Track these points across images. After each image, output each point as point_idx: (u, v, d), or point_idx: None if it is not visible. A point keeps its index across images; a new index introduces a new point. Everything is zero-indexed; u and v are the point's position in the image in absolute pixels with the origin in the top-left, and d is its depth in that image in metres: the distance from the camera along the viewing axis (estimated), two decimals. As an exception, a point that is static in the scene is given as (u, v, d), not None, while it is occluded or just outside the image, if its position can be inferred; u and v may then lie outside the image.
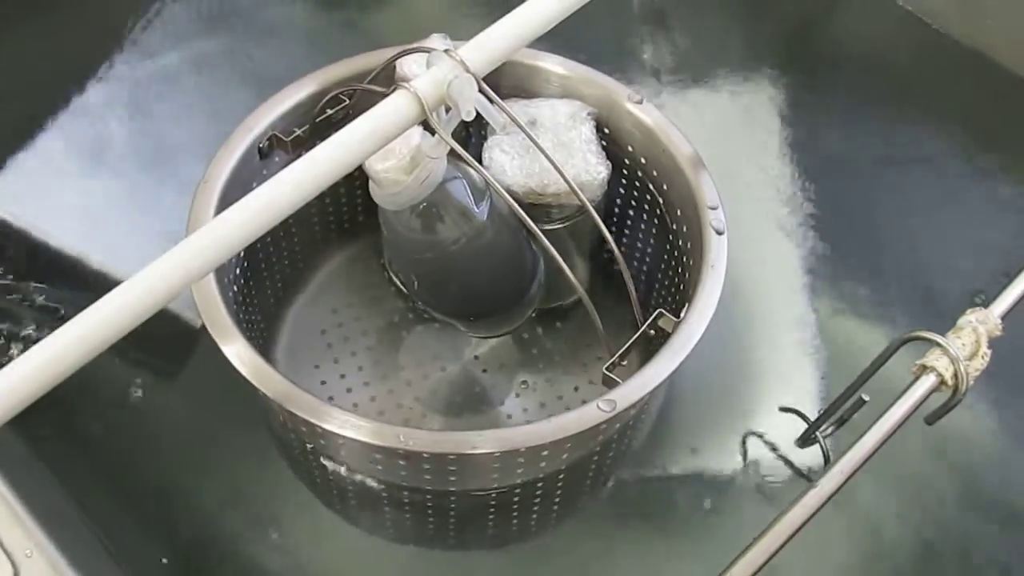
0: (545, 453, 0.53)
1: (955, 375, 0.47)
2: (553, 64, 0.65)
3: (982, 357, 0.47)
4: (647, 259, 0.68)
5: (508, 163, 0.60)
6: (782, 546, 0.42)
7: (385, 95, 0.45)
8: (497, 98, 0.47)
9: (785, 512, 0.44)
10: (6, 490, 0.46)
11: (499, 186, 0.54)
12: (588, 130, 0.62)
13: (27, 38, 0.85)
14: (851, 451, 0.45)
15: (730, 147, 0.80)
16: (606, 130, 0.65)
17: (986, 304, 0.49)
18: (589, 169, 0.60)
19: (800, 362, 0.69)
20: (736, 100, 0.83)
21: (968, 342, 0.47)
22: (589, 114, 0.63)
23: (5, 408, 0.38)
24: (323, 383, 0.66)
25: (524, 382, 0.67)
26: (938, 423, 0.50)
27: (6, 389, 0.38)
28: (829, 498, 0.44)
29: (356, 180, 0.67)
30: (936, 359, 0.47)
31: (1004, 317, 0.49)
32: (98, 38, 0.86)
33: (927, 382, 0.47)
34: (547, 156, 0.54)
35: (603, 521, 0.63)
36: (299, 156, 0.61)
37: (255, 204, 0.40)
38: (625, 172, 0.66)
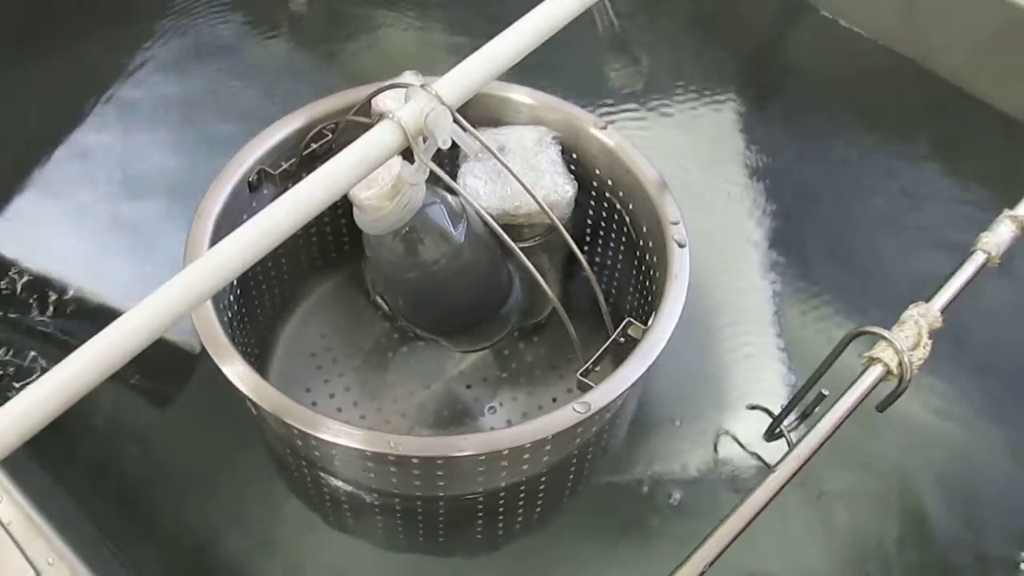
0: (527, 456, 0.57)
1: (900, 365, 0.50)
2: (522, 95, 0.69)
3: (923, 347, 0.51)
4: (617, 272, 0.72)
5: (481, 188, 0.64)
6: (746, 526, 0.46)
7: (369, 126, 0.48)
8: (470, 127, 0.51)
9: (748, 495, 0.47)
10: (28, 507, 0.49)
11: (479, 207, 0.57)
12: (554, 153, 0.66)
13: (20, 84, 0.89)
14: (807, 438, 0.49)
15: (694, 164, 0.84)
16: (574, 154, 0.68)
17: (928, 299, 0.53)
18: (557, 189, 0.64)
19: (766, 361, 0.72)
20: (698, 119, 0.87)
21: (911, 334, 0.51)
22: (554, 138, 0.67)
23: (22, 430, 0.41)
24: (314, 404, 0.69)
25: (504, 397, 0.70)
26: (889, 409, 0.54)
27: (22, 413, 0.41)
28: (788, 480, 0.48)
29: (339, 211, 0.71)
30: (882, 351, 0.51)
31: (944, 310, 0.53)
32: (89, 81, 0.89)
33: (875, 372, 0.50)
34: (517, 178, 0.58)
35: (585, 521, 0.66)
36: (287, 188, 0.65)
37: (254, 231, 0.43)
38: (594, 193, 0.69)
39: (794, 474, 0.48)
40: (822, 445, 0.49)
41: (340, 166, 0.46)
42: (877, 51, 0.90)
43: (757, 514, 0.47)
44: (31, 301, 0.74)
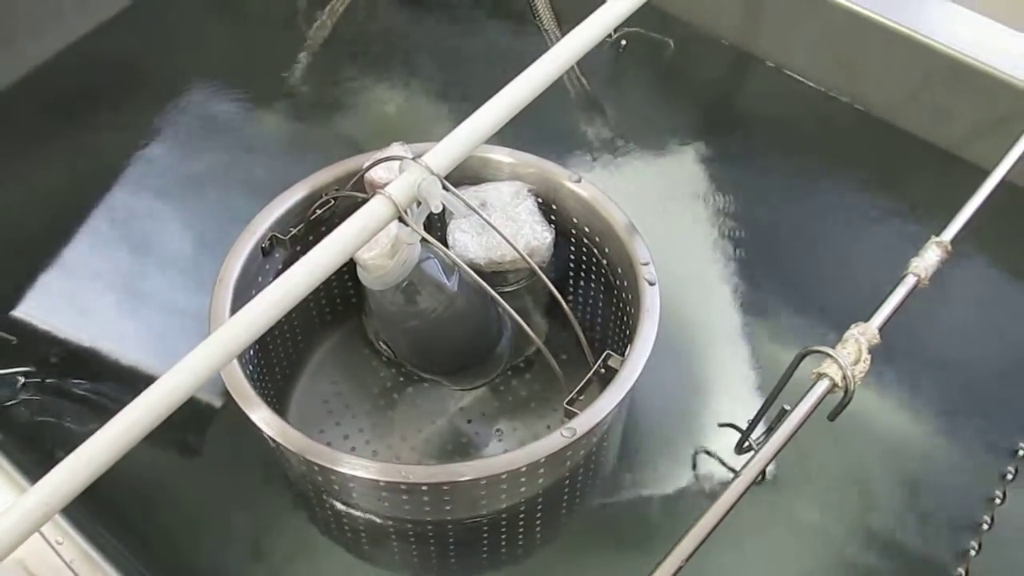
0: (523, 479, 0.63)
1: (844, 378, 0.57)
2: (502, 155, 0.75)
3: (864, 362, 0.58)
4: (599, 309, 0.78)
5: (469, 241, 0.70)
6: (716, 525, 0.52)
7: (364, 199, 0.55)
8: (457, 192, 0.58)
9: (717, 498, 0.53)
10: (86, 546, 0.56)
11: (463, 264, 0.63)
12: (531, 203, 0.73)
13: (36, 167, 0.94)
14: (766, 446, 0.56)
15: (662, 207, 0.90)
16: (553, 205, 0.75)
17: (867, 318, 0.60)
18: (536, 236, 0.71)
19: (736, 382, 0.79)
20: (663, 167, 0.93)
21: (852, 351, 0.58)
22: (529, 190, 0.73)
23: (88, 474, 0.47)
24: (329, 444, 0.74)
25: (502, 429, 0.77)
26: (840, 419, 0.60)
27: (88, 459, 0.47)
28: (751, 484, 0.54)
29: (344, 271, 0.78)
30: (828, 367, 0.57)
31: (881, 328, 0.60)
32: (101, 162, 0.95)
33: (822, 386, 0.57)
34: (500, 233, 0.65)
35: (580, 539, 0.72)
36: (297, 251, 0.72)
37: (274, 294, 0.50)
38: (573, 240, 0.75)
39: (755, 478, 0.54)
40: (780, 451, 0.56)
41: (344, 235, 0.53)
42: (821, 97, 0.96)
43: (726, 513, 0.53)
44: (64, 366, 0.80)
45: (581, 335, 0.66)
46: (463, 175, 0.74)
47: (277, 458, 0.68)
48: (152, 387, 0.49)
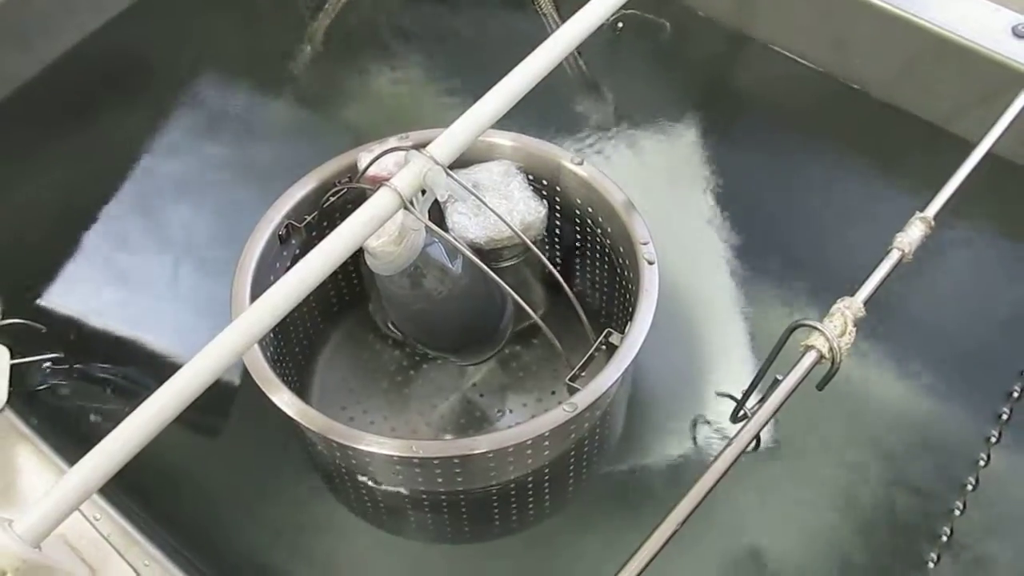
0: (529, 451, 0.67)
1: (831, 350, 0.60)
2: (505, 139, 0.77)
3: (849, 334, 0.60)
4: (604, 287, 0.81)
5: (468, 222, 0.73)
6: (711, 489, 0.56)
7: (371, 191, 0.58)
8: (461, 180, 0.61)
9: (712, 464, 0.57)
10: (122, 522, 0.60)
11: (467, 250, 0.66)
12: (521, 180, 0.75)
13: (57, 159, 0.97)
14: (757, 415, 0.59)
15: (662, 186, 0.93)
16: (557, 187, 0.77)
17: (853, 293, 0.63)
18: (531, 211, 0.74)
19: (734, 353, 0.82)
20: (662, 146, 0.96)
21: (838, 324, 0.60)
22: (518, 168, 0.76)
23: (127, 451, 0.51)
24: (351, 419, 0.79)
25: (513, 401, 0.80)
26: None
27: (126, 437, 0.51)
28: (744, 450, 0.57)
29: (359, 257, 0.80)
30: (815, 339, 0.60)
31: (866, 302, 0.62)
32: (116, 153, 0.98)
33: (810, 358, 0.59)
34: (497, 214, 0.68)
35: (587, 507, 0.76)
36: (312, 237, 0.75)
37: (292, 280, 0.54)
38: (577, 220, 0.78)
39: (746, 445, 0.57)
40: (770, 419, 0.59)
41: (354, 225, 0.56)
42: (815, 76, 0.98)
43: (720, 477, 0.56)
44: (87, 351, 0.83)
45: (581, 313, 0.69)
46: (469, 159, 0.76)
47: (297, 435, 0.72)
48: (180, 371, 0.52)
